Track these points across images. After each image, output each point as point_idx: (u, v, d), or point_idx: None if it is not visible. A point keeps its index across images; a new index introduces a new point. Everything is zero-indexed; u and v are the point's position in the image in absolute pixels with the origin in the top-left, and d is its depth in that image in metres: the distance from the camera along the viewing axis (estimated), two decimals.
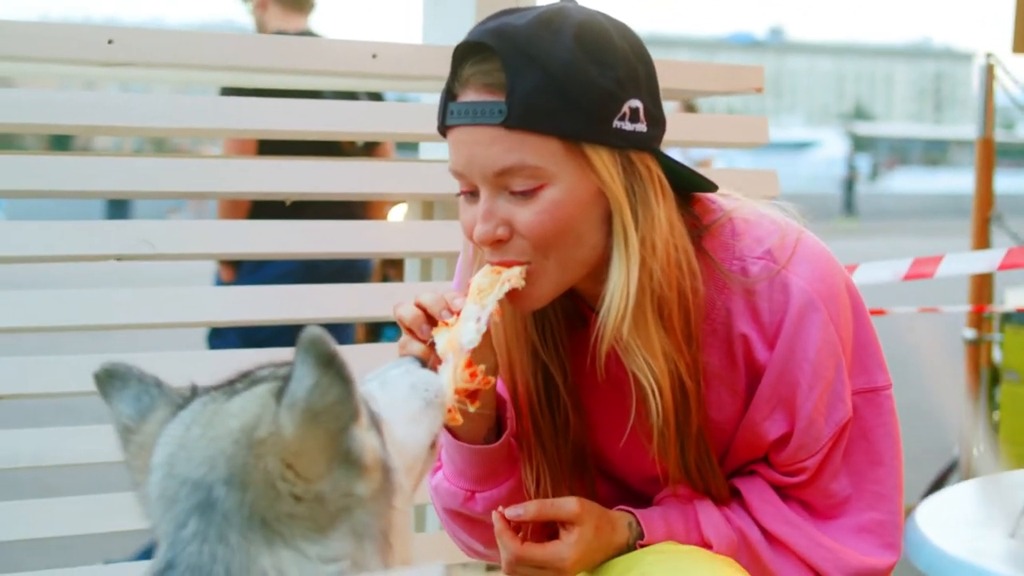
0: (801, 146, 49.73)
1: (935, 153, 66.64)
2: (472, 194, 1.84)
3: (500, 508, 1.94)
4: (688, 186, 1.94)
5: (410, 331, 1.84)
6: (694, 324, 1.88)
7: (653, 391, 1.84)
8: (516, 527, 1.94)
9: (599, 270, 1.86)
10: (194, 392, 1.51)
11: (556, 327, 1.97)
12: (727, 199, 1.99)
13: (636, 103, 1.81)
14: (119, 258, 2.62)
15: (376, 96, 4.22)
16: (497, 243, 1.83)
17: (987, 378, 5.24)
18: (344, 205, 3.64)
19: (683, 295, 1.86)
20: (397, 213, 4.12)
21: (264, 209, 3.35)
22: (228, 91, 3.47)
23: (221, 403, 1.44)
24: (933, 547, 1.57)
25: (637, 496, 2.07)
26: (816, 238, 1.98)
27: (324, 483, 1.37)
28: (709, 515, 1.97)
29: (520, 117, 1.75)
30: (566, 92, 1.76)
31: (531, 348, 1.96)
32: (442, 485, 2.04)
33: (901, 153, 64.26)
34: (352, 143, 4.35)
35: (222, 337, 4.40)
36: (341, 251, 2.93)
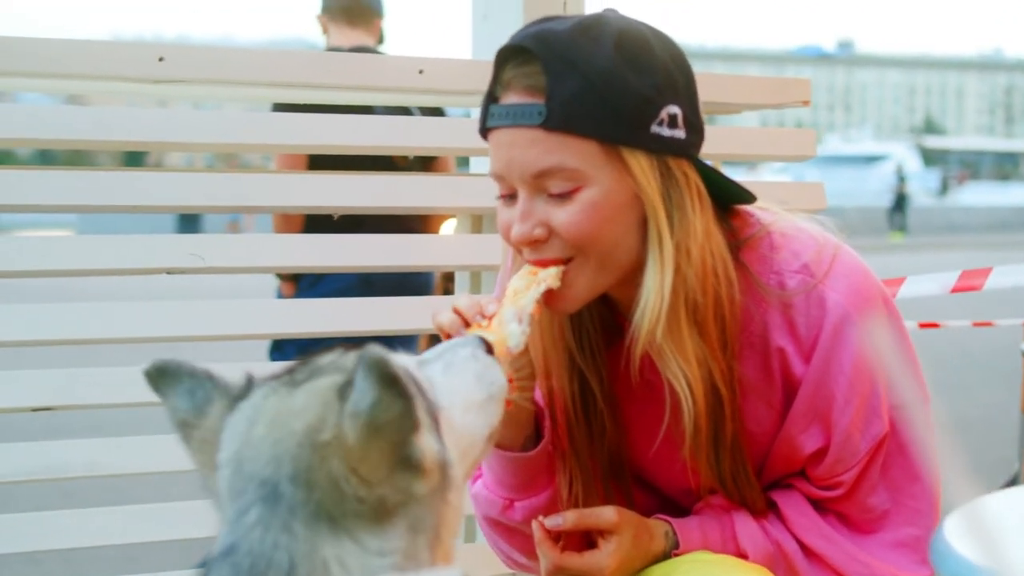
0: (870, 160, 49.18)
1: (1006, 166, 65.65)
2: (511, 197, 1.87)
3: (540, 517, 1.96)
4: (727, 197, 1.96)
5: (449, 337, 1.85)
6: (730, 332, 1.89)
7: (686, 396, 1.86)
8: (555, 536, 1.96)
9: (634, 275, 1.87)
10: (250, 383, 1.53)
11: (593, 334, 1.99)
12: (766, 212, 2.01)
13: (674, 109, 1.83)
14: (170, 271, 2.68)
15: (436, 111, 4.26)
16: (534, 243, 1.85)
17: None
18: (400, 219, 3.69)
19: (719, 302, 1.87)
20: (449, 227, 4.16)
21: (319, 223, 3.42)
22: (281, 107, 3.55)
23: (283, 397, 1.46)
24: (958, 557, 1.58)
25: (674, 506, 2.08)
26: (854, 253, 1.98)
27: (385, 486, 1.40)
28: (746, 526, 1.98)
29: (559, 119, 1.78)
30: (604, 96, 1.78)
31: (568, 354, 1.98)
32: (481, 493, 2.07)
33: (972, 166, 63.36)
34: (405, 158, 4.40)
35: (283, 350, 4.47)
36: (389, 265, 2.97)
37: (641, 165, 1.81)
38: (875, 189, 40.34)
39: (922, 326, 4.38)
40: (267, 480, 1.41)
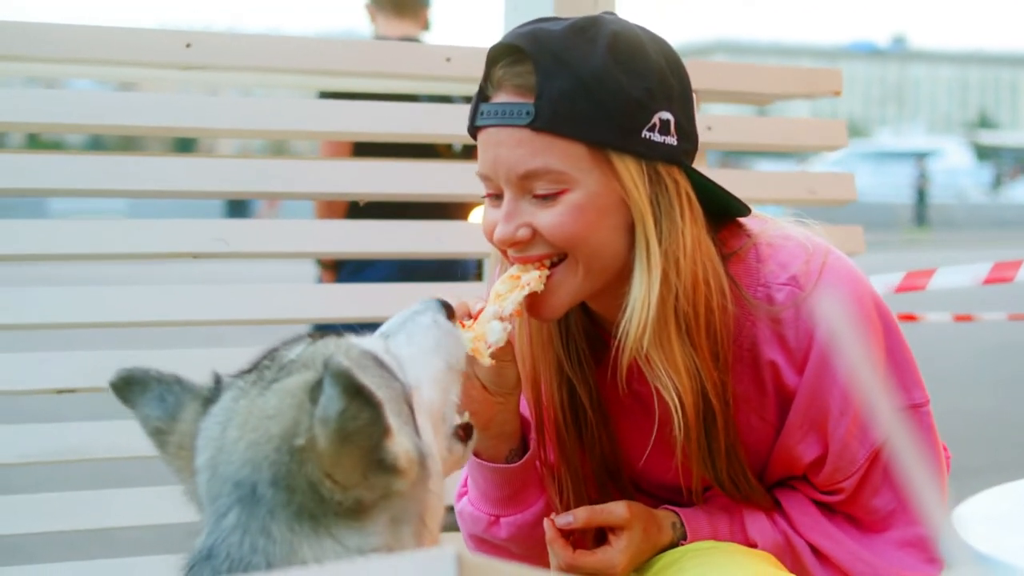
0: (921, 155, 48.65)
1: None
2: (497, 197, 1.85)
3: (552, 515, 1.95)
4: (720, 207, 1.92)
5: None
6: (722, 343, 1.87)
7: (675, 407, 1.84)
8: (566, 534, 1.95)
9: (620, 286, 1.85)
10: (219, 383, 1.53)
11: (580, 344, 1.97)
12: (755, 220, 1.97)
13: (667, 115, 1.81)
14: (195, 256, 2.72)
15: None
16: (517, 244, 1.83)
17: None
18: (442, 207, 3.73)
19: (710, 312, 1.85)
20: (479, 214, 4.19)
21: (361, 210, 3.48)
22: (326, 95, 3.59)
23: (255, 398, 1.46)
24: (969, 548, 1.60)
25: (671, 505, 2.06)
26: (845, 258, 1.95)
27: (361, 488, 1.41)
28: (755, 518, 1.98)
29: (547, 120, 1.76)
30: (595, 98, 1.76)
31: (556, 362, 1.96)
32: (466, 510, 2.05)
33: None
34: (448, 147, 4.44)
35: None
36: (429, 252, 3.00)
37: (630, 170, 1.79)
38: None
39: (957, 319, 4.35)
40: (243, 482, 1.42)
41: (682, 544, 1.97)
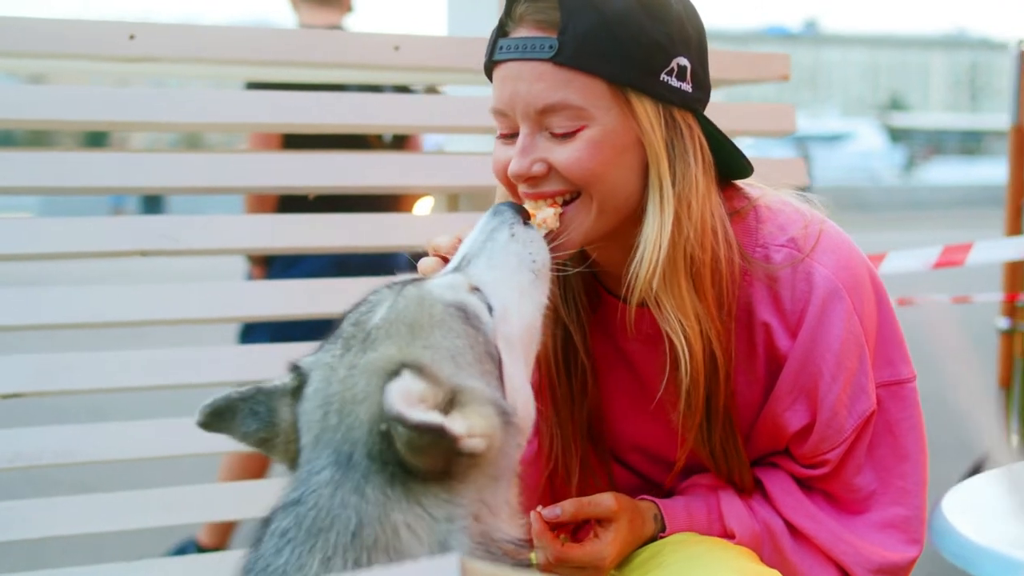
0: (835, 138, 49.36)
1: (971, 143, 66.03)
2: (510, 136, 1.84)
3: (538, 508, 1.93)
4: (723, 165, 1.92)
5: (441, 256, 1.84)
6: (728, 294, 1.87)
7: (683, 351, 1.83)
8: (553, 526, 1.93)
9: (628, 230, 1.85)
10: (299, 371, 1.57)
11: (578, 290, 1.97)
12: (752, 187, 1.98)
13: (684, 61, 1.82)
14: (144, 253, 2.64)
15: (403, 89, 4.21)
16: (531, 180, 1.82)
17: (1021, 368, 5.19)
18: (372, 199, 3.63)
19: (716, 261, 1.84)
20: (423, 206, 4.11)
21: (290, 204, 3.35)
22: (254, 85, 3.47)
23: (344, 379, 1.51)
24: (960, 536, 1.55)
25: (651, 484, 2.06)
26: (839, 228, 1.96)
27: (447, 466, 1.44)
28: (732, 505, 1.96)
29: (570, 55, 1.76)
30: (618, 37, 1.76)
31: (552, 307, 1.92)
32: None
33: (937, 144, 63.70)
34: (378, 137, 4.35)
35: (253, 333, 4.41)
36: (364, 245, 2.93)
37: (647, 111, 1.79)
38: (841, 166, 40.45)
39: (900, 303, 4.37)
40: (343, 452, 1.46)
41: (661, 536, 1.96)
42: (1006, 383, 5.14)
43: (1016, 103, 5.16)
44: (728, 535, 1.95)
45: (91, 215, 2.65)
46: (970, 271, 3.75)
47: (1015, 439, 5.10)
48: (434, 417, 1.40)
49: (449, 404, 1.47)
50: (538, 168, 1.81)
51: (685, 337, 1.82)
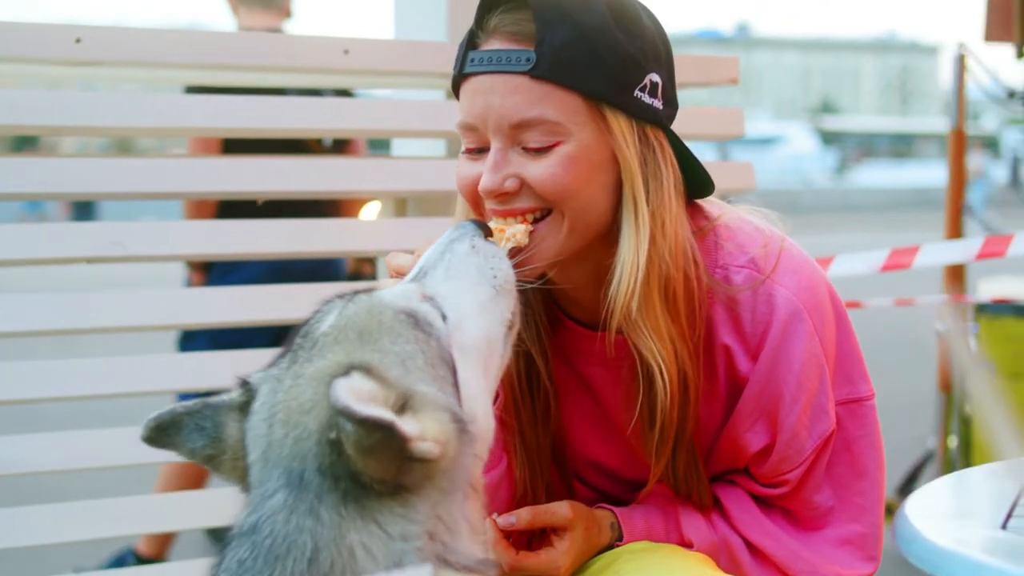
0: (767, 141, 49.81)
1: (902, 146, 66.93)
2: (478, 151, 1.80)
3: (493, 515, 1.90)
4: (689, 179, 1.89)
5: (402, 275, 1.79)
6: (697, 314, 1.84)
7: (662, 373, 1.79)
8: (507, 535, 1.90)
9: (594, 252, 1.82)
10: (246, 385, 1.54)
11: (539, 313, 1.93)
12: (711, 204, 1.96)
13: (657, 78, 1.80)
14: (90, 261, 2.56)
15: (345, 92, 4.17)
16: (502, 196, 1.78)
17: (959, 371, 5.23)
18: (315, 204, 3.58)
19: (688, 280, 1.82)
20: (370, 211, 4.08)
21: (231, 210, 3.29)
22: (194, 89, 3.41)
23: (290, 388, 1.47)
24: (925, 540, 1.54)
25: (614, 500, 2.03)
26: (798, 246, 1.94)
27: (399, 477, 1.41)
28: (690, 516, 1.94)
29: (547, 68, 1.73)
30: (595, 51, 1.74)
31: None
32: None
33: (868, 147, 64.50)
34: (319, 141, 4.31)
35: (192, 340, 4.35)
36: (312, 250, 2.88)
37: (622, 127, 1.77)
38: (772, 169, 40.82)
39: (848, 305, 4.37)
40: (292, 470, 1.42)
41: (617, 545, 1.94)
42: (946, 387, 5.17)
43: (955, 106, 5.21)
44: (686, 545, 1.94)
45: (6, 222, 2.56)
46: (913, 274, 3.77)
47: (954, 440, 5.15)
48: (384, 413, 1.37)
49: (401, 408, 1.43)
50: (510, 184, 1.77)
51: (663, 359, 1.79)
